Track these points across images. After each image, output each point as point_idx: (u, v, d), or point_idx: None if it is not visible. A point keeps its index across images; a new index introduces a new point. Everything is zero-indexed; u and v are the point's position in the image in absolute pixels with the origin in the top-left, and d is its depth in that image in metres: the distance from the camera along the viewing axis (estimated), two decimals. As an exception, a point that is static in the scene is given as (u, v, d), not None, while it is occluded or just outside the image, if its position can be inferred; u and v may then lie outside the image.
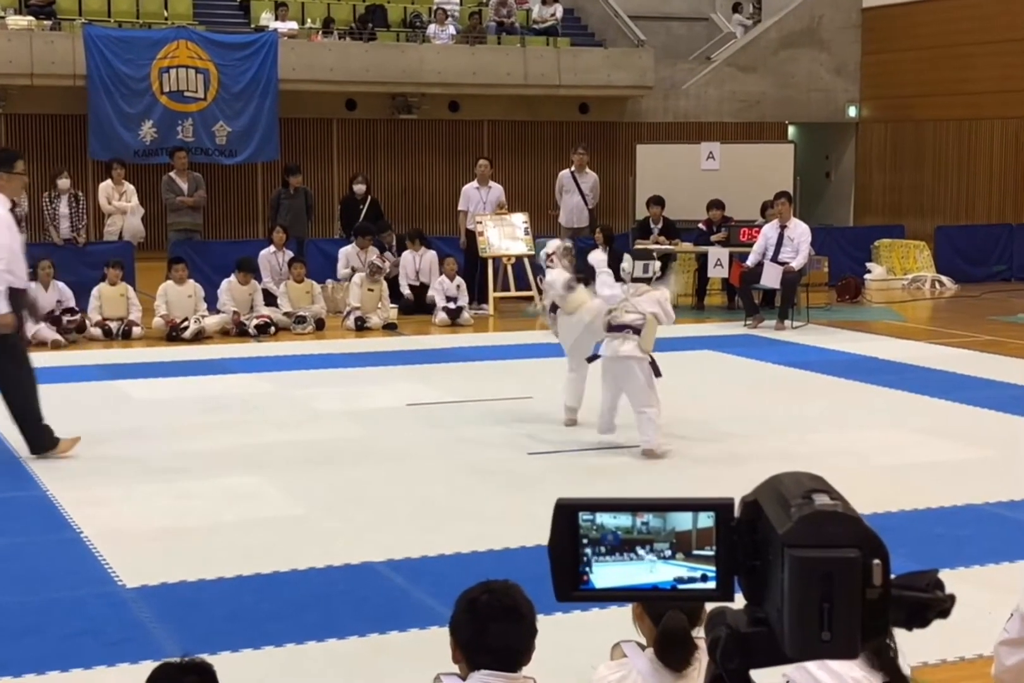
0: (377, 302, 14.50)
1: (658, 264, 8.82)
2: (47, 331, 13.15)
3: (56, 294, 13.48)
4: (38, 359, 12.27)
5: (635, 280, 8.64)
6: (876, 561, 1.28)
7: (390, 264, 15.21)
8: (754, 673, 1.43)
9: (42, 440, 8.42)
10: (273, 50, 18.63)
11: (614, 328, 8.50)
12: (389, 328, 14.30)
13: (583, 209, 16.72)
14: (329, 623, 5.53)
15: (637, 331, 8.42)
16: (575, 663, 4.57)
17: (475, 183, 16.34)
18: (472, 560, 6.33)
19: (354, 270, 14.89)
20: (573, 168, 16.77)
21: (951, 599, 1.36)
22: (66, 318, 13.29)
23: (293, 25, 19.89)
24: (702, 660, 3.22)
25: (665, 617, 3.27)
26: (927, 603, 1.34)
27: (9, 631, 5.45)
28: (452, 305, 14.76)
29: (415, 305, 15.21)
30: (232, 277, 14.13)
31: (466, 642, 3.18)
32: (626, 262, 8.74)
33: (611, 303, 8.63)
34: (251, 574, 6.15)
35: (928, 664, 4.97)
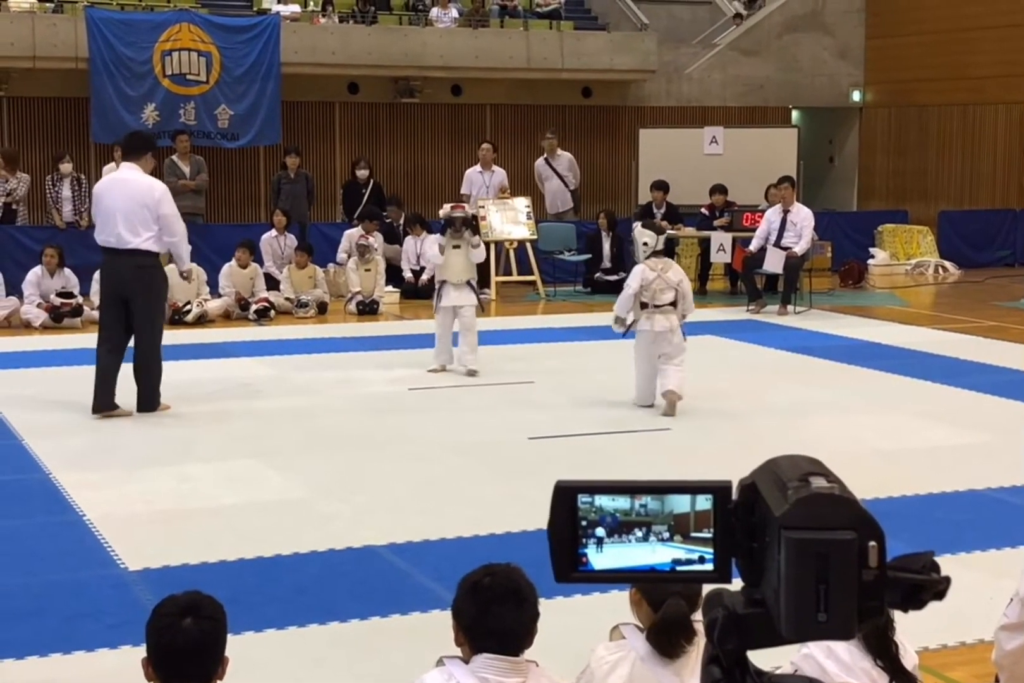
0: (374, 282, 14.44)
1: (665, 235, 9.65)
2: (35, 312, 13.14)
3: (62, 281, 13.48)
4: (28, 342, 12.41)
5: (655, 254, 9.30)
6: (872, 543, 1.28)
7: (376, 244, 15.02)
8: (757, 658, 1.44)
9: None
10: (275, 33, 18.57)
11: (655, 306, 9.21)
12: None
13: (564, 192, 16.74)
14: (331, 606, 5.55)
15: (673, 304, 9.24)
16: (576, 647, 4.58)
17: (478, 167, 16.32)
18: (473, 544, 6.35)
19: (348, 256, 14.85)
20: (545, 155, 16.75)
21: (946, 581, 1.37)
22: (60, 301, 13.25)
23: (296, 8, 19.82)
24: (700, 643, 3.23)
25: (666, 604, 3.25)
26: (922, 585, 1.34)
27: (11, 613, 5.47)
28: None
29: (416, 289, 15.20)
30: (232, 262, 14.12)
31: (469, 625, 3.18)
32: (647, 237, 9.14)
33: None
34: (253, 557, 6.17)
35: (929, 649, 4.98)
